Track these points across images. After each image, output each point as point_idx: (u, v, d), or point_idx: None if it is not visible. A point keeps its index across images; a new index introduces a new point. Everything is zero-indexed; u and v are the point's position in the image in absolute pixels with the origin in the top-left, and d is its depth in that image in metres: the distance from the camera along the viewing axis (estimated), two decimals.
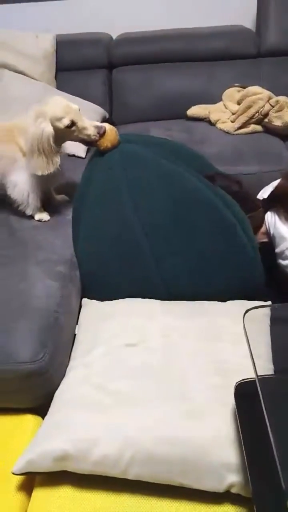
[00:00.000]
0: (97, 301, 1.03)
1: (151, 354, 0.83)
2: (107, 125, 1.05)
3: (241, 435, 0.64)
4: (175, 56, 1.85)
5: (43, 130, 1.01)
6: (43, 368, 0.80)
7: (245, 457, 0.62)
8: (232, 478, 0.65)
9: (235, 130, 1.64)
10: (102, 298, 1.02)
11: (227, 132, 1.65)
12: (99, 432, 0.69)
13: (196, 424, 0.69)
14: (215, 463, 0.65)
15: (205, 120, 1.76)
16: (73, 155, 1.55)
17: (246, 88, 1.69)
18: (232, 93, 1.72)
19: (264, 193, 1.20)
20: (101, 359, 0.83)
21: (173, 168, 1.01)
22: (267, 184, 1.26)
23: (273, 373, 0.79)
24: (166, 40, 1.88)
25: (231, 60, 1.83)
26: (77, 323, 0.98)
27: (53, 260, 1.01)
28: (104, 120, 1.78)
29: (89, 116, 1.69)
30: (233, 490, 0.65)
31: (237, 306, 0.95)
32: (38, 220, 1.17)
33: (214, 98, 1.77)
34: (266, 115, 1.61)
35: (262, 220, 1.14)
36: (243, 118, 1.62)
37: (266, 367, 0.80)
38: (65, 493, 0.68)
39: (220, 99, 1.76)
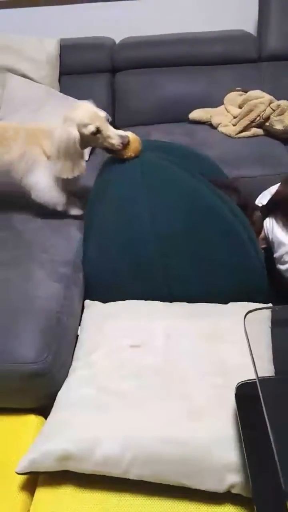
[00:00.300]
0: (100, 302, 1.03)
1: (154, 355, 0.84)
2: (130, 135, 1.06)
3: (241, 435, 0.64)
4: (177, 60, 1.87)
5: (69, 135, 1.03)
6: (46, 369, 0.81)
7: (246, 458, 0.62)
8: (232, 479, 0.65)
9: (237, 134, 1.65)
10: (106, 300, 1.03)
11: (229, 136, 1.66)
12: (101, 432, 0.70)
13: (197, 424, 0.70)
14: (216, 464, 0.66)
15: (207, 123, 1.77)
16: None
17: (248, 92, 1.70)
18: (233, 97, 1.73)
19: (262, 199, 1.21)
20: (104, 359, 0.84)
21: (192, 183, 1.02)
22: (268, 187, 1.27)
23: (273, 374, 0.80)
24: (168, 44, 1.90)
25: (232, 64, 1.84)
26: (79, 324, 0.99)
27: (56, 261, 1.02)
28: None
29: None
30: (234, 491, 0.66)
31: (238, 307, 0.96)
32: (73, 215, 1.17)
33: (215, 102, 1.78)
34: (267, 119, 1.62)
35: (261, 226, 1.15)
36: (244, 122, 1.63)
37: (266, 368, 0.81)
38: (68, 493, 0.68)
39: (222, 103, 1.77)
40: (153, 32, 1.96)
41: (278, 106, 1.60)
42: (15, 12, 2.02)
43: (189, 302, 1.00)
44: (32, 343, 0.83)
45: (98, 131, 1.05)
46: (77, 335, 0.96)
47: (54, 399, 0.80)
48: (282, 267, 1.10)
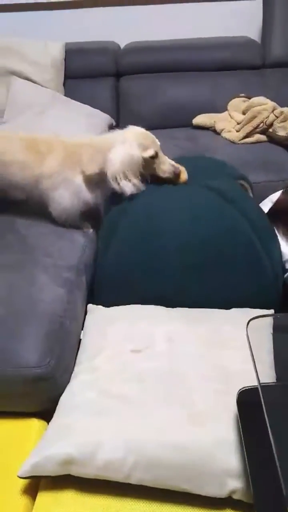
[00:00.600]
0: (103, 307, 1.04)
1: (156, 360, 0.84)
2: (181, 167, 1.08)
3: (243, 441, 0.65)
4: (181, 65, 1.89)
5: (133, 155, 1.03)
6: (49, 373, 0.81)
7: (247, 463, 0.63)
8: (234, 484, 0.66)
9: (240, 140, 1.66)
10: (114, 303, 1.03)
11: (232, 142, 1.67)
12: (103, 436, 0.70)
13: (199, 429, 0.70)
14: (217, 469, 0.66)
15: (211, 129, 1.78)
16: None
17: (251, 99, 1.71)
18: (237, 103, 1.75)
19: (262, 207, 1.21)
20: (106, 364, 0.85)
21: (220, 204, 1.03)
22: (272, 193, 1.27)
23: (275, 380, 0.80)
24: (172, 50, 1.91)
25: (236, 70, 1.86)
26: (82, 329, 1.00)
27: (60, 266, 1.03)
28: (111, 127, 1.81)
29: (96, 123, 1.73)
30: (235, 496, 0.66)
31: (241, 313, 0.96)
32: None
33: (219, 108, 1.80)
34: (271, 125, 1.63)
35: None
36: (248, 128, 1.65)
37: (268, 375, 0.81)
38: (69, 497, 0.69)
39: (225, 109, 1.79)
40: (158, 38, 1.98)
41: (282, 113, 1.61)
42: (21, 16, 2.04)
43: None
44: (35, 347, 0.83)
45: (156, 155, 1.05)
46: (80, 339, 0.97)
47: (57, 403, 0.80)
48: (285, 275, 1.10)
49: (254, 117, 1.64)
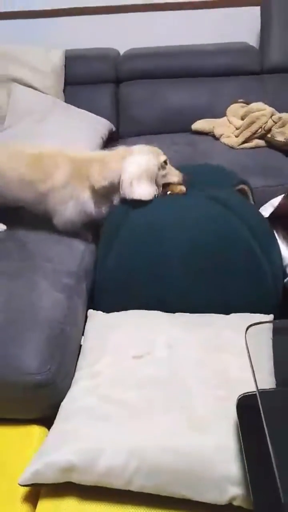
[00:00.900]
0: (103, 312, 1.04)
1: (157, 366, 0.85)
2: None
3: (243, 447, 0.65)
4: (180, 71, 1.90)
5: (149, 160, 1.06)
6: (50, 379, 0.82)
7: (247, 470, 0.63)
8: (234, 491, 0.66)
9: (239, 145, 1.67)
10: (114, 308, 1.04)
11: (231, 147, 1.68)
12: (104, 443, 0.70)
13: (199, 436, 0.71)
14: (218, 475, 0.66)
15: (210, 134, 1.79)
16: None
17: (250, 104, 1.73)
18: (236, 109, 1.76)
19: (263, 212, 1.22)
20: (107, 370, 0.85)
21: (220, 211, 1.04)
22: (270, 198, 1.28)
23: (274, 386, 0.80)
24: (171, 56, 1.93)
25: (235, 76, 1.87)
26: (83, 334, 1.00)
27: (60, 272, 1.03)
28: (110, 132, 1.82)
29: (96, 129, 1.74)
30: (235, 503, 0.66)
31: (241, 318, 0.96)
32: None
33: (217, 113, 1.81)
34: (269, 130, 1.64)
35: None
36: (246, 133, 1.66)
37: (268, 380, 0.81)
38: (70, 505, 0.69)
39: (224, 114, 1.80)
40: (157, 44, 1.99)
41: (280, 118, 1.62)
42: (22, 23, 2.06)
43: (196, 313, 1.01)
44: (35, 354, 0.83)
45: (166, 163, 1.09)
46: (80, 345, 0.97)
47: (58, 409, 0.80)
48: (285, 279, 1.11)
49: (252, 122, 1.65)
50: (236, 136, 1.69)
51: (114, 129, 1.87)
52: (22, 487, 0.71)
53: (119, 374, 0.83)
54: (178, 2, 2.02)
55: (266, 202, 1.28)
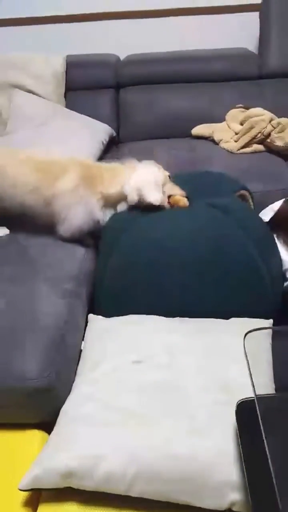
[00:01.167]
0: (103, 317, 1.05)
1: (156, 371, 0.85)
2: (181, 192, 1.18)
3: (242, 453, 0.65)
4: (180, 77, 1.91)
5: (159, 171, 1.15)
6: (50, 385, 0.82)
7: (245, 476, 0.63)
8: (234, 496, 0.66)
9: (238, 150, 1.67)
10: (114, 312, 1.04)
11: (230, 152, 1.68)
12: (104, 448, 0.71)
13: (199, 441, 0.71)
14: (218, 481, 0.66)
15: (209, 139, 1.80)
16: None
17: (249, 109, 1.73)
18: (235, 114, 1.77)
19: (263, 216, 1.23)
20: (107, 375, 0.85)
21: (220, 220, 1.06)
22: (270, 202, 1.29)
23: (274, 391, 0.80)
24: (171, 61, 1.94)
25: (234, 81, 1.88)
26: (83, 339, 1.01)
27: (60, 277, 1.04)
28: (111, 137, 1.83)
29: (96, 134, 1.76)
30: (235, 508, 0.66)
31: (240, 323, 0.97)
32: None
33: (217, 118, 1.82)
34: (268, 135, 1.65)
35: None
36: (246, 138, 1.66)
37: (267, 386, 0.81)
38: (70, 510, 0.69)
39: (223, 119, 1.81)
40: (157, 50, 2.01)
41: (279, 123, 1.63)
42: (22, 30, 2.08)
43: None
44: (35, 359, 0.84)
45: (169, 177, 1.17)
46: (81, 350, 0.97)
47: (58, 414, 0.80)
48: (284, 283, 1.11)
49: (251, 127, 1.66)
50: (236, 141, 1.69)
51: (114, 134, 1.88)
52: (22, 492, 0.71)
53: (119, 380, 0.84)
54: (177, 8, 2.04)
55: (265, 206, 1.29)
